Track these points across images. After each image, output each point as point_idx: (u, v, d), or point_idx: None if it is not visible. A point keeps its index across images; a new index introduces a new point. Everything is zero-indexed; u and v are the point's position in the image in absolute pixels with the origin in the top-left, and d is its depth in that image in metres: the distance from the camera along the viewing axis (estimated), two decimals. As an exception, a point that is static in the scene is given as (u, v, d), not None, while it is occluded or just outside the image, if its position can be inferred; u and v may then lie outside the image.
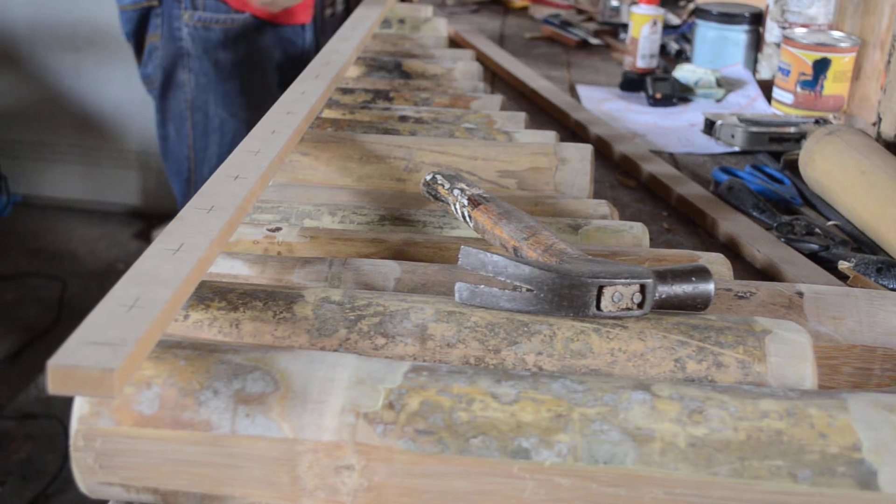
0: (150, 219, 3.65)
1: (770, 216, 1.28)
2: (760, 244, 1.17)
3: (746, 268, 1.16)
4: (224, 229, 0.74)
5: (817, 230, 1.21)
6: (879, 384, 0.81)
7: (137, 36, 2.13)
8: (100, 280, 3.27)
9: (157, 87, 2.13)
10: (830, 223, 1.28)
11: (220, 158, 2.08)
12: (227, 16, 2.06)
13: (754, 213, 1.29)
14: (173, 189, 2.27)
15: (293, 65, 2.16)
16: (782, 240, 1.19)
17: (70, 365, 0.54)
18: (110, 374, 0.54)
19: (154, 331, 0.59)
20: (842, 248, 1.18)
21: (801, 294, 0.82)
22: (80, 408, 0.62)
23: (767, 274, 1.13)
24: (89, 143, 3.68)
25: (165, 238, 0.70)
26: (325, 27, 3.26)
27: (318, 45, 2.12)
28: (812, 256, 1.17)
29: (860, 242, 1.22)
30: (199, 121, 2.12)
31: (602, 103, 1.80)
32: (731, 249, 1.20)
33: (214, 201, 0.78)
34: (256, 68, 2.15)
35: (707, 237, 1.25)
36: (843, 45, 1.69)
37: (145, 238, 3.59)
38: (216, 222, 0.74)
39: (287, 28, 2.16)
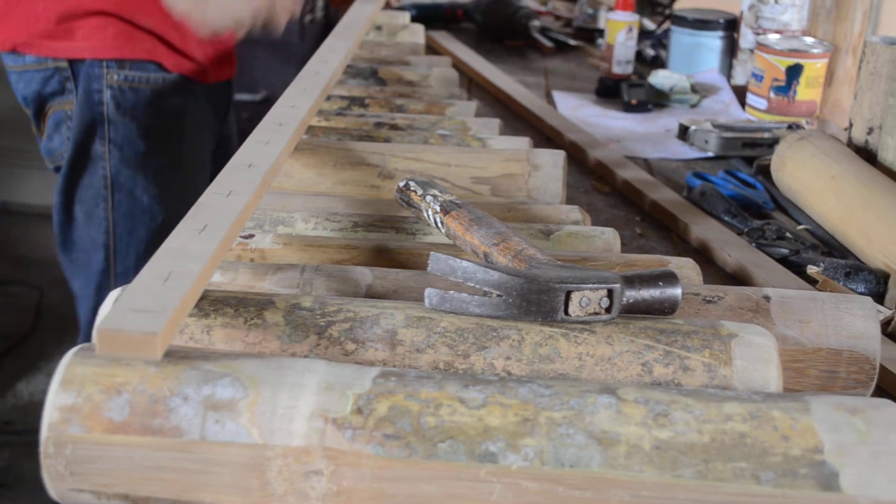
0: (129, 225, 3.64)
1: (741, 221, 1.29)
2: (731, 249, 1.18)
3: (718, 272, 1.17)
4: (242, 212, 0.79)
5: (788, 235, 1.22)
6: (845, 387, 0.82)
7: (39, 101, 1.71)
8: (79, 287, 3.26)
9: (65, 162, 1.72)
10: (801, 227, 1.29)
11: (151, 245, 1.68)
12: (159, 74, 1.70)
13: (726, 218, 1.30)
14: (72, 286, 1.81)
15: (222, 124, 1.92)
16: (753, 244, 1.21)
17: (117, 329, 0.60)
18: (153, 337, 0.60)
19: (188, 299, 0.66)
20: (812, 253, 1.20)
21: (768, 298, 0.83)
22: (49, 415, 0.63)
23: (738, 278, 1.14)
24: (68, 150, 3.67)
25: (189, 221, 0.76)
26: (305, 33, 3.26)
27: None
28: (782, 261, 1.18)
29: (830, 247, 1.24)
30: (122, 201, 1.71)
31: (578, 109, 1.82)
32: (703, 254, 1.21)
33: (233, 187, 0.83)
34: (192, 137, 1.80)
35: (679, 242, 1.27)
36: (815, 50, 1.71)
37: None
38: (236, 205, 0.79)
39: (217, 86, 1.86)
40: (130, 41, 1.66)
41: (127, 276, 1.73)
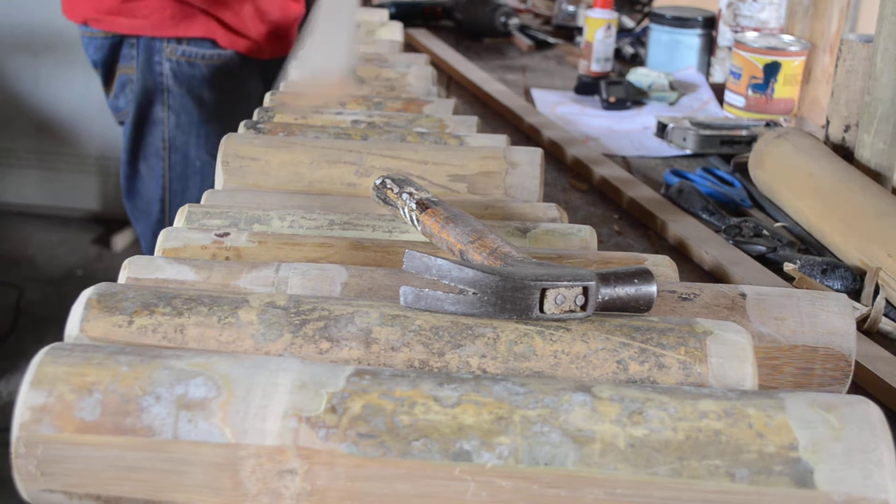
0: (109, 224, 3.63)
1: (719, 218, 1.29)
2: (709, 246, 1.18)
3: (695, 270, 1.17)
4: None
5: (765, 232, 1.23)
6: (821, 384, 0.82)
7: (108, 65, 1.99)
8: (58, 286, 3.25)
9: (129, 123, 1.98)
10: (778, 225, 1.29)
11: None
12: (214, 51, 1.94)
13: (704, 216, 1.31)
14: (135, 228, 2.10)
15: None
16: (730, 242, 1.21)
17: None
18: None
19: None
20: (789, 250, 1.20)
21: (743, 295, 0.83)
22: (21, 415, 0.62)
23: (715, 276, 1.15)
24: (48, 148, 3.66)
25: None
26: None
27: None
28: (760, 258, 1.18)
29: (807, 244, 1.24)
30: (178, 162, 1.96)
31: (556, 107, 1.82)
32: (681, 252, 1.21)
33: None
34: (241, 108, 1.93)
35: (657, 239, 1.27)
36: (792, 48, 1.72)
37: (105, 244, 3.56)
38: None
39: (271, 62, 2.03)
40: (185, 19, 1.90)
41: None
